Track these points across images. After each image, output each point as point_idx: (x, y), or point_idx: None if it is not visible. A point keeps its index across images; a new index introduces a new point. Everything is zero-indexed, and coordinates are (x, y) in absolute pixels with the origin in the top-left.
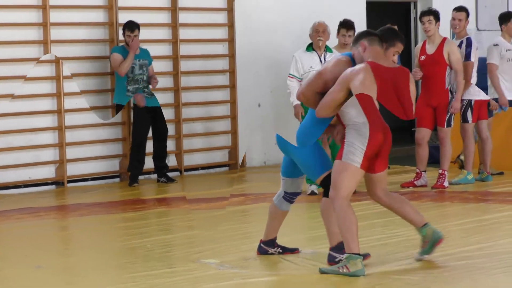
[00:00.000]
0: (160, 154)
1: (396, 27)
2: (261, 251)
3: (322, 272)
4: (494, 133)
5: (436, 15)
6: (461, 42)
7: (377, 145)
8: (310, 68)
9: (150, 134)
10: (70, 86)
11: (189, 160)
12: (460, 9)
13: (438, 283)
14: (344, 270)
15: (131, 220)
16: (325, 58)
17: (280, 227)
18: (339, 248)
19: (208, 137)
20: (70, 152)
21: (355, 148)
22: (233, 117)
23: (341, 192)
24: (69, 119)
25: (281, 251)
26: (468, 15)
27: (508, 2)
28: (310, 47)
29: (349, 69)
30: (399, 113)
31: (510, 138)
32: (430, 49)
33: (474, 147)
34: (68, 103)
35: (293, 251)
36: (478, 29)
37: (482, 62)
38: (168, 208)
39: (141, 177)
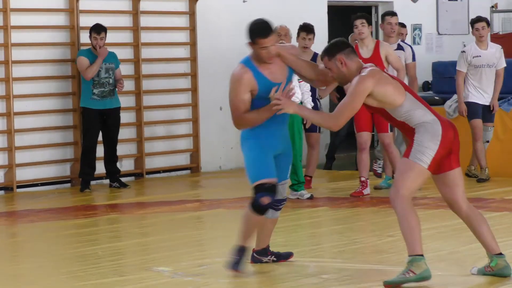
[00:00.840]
0: (110, 158)
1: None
2: (255, 261)
3: (388, 283)
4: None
5: (368, 18)
6: (399, 46)
7: (449, 142)
8: None
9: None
10: (20, 88)
11: (150, 163)
12: (394, 13)
13: None
14: (411, 275)
15: (82, 227)
16: None
17: (271, 235)
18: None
19: (169, 140)
20: (20, 157)
21: (426, 147)
22: (195, 120)
23: (402, 191)
24: (19, 122)
25: (275, 259)
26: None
27: (469, 7)
28: None
29: (358, 79)
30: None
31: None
32: (365, 53)
33: None
34: (18, 105)
35: (288, 257)
36: (439, 33)
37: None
38: (120, 214)
39: (93, 182)
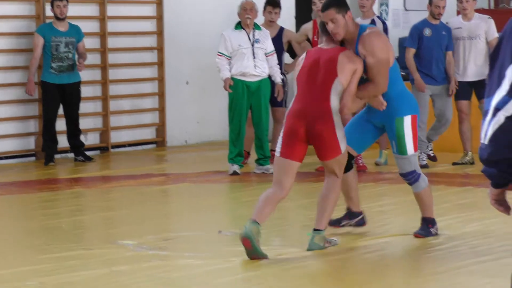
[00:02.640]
0: (72, 132)
1: None
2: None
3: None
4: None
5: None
6: (373, 21)
7: None
8: (239, 46)
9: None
10: None
11: (116, 137)
12: None
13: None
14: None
15: (46, 201)
16: (253, 36)
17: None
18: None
19: (135, 115)
20: None
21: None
22: (161, 94)
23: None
24: None
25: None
26: None
27: None
28: (239, 25)
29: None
30: None
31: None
32: None
33: None
34: None
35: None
36: (405, 9)
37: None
38: (85, 188)
39: (58, 156)
